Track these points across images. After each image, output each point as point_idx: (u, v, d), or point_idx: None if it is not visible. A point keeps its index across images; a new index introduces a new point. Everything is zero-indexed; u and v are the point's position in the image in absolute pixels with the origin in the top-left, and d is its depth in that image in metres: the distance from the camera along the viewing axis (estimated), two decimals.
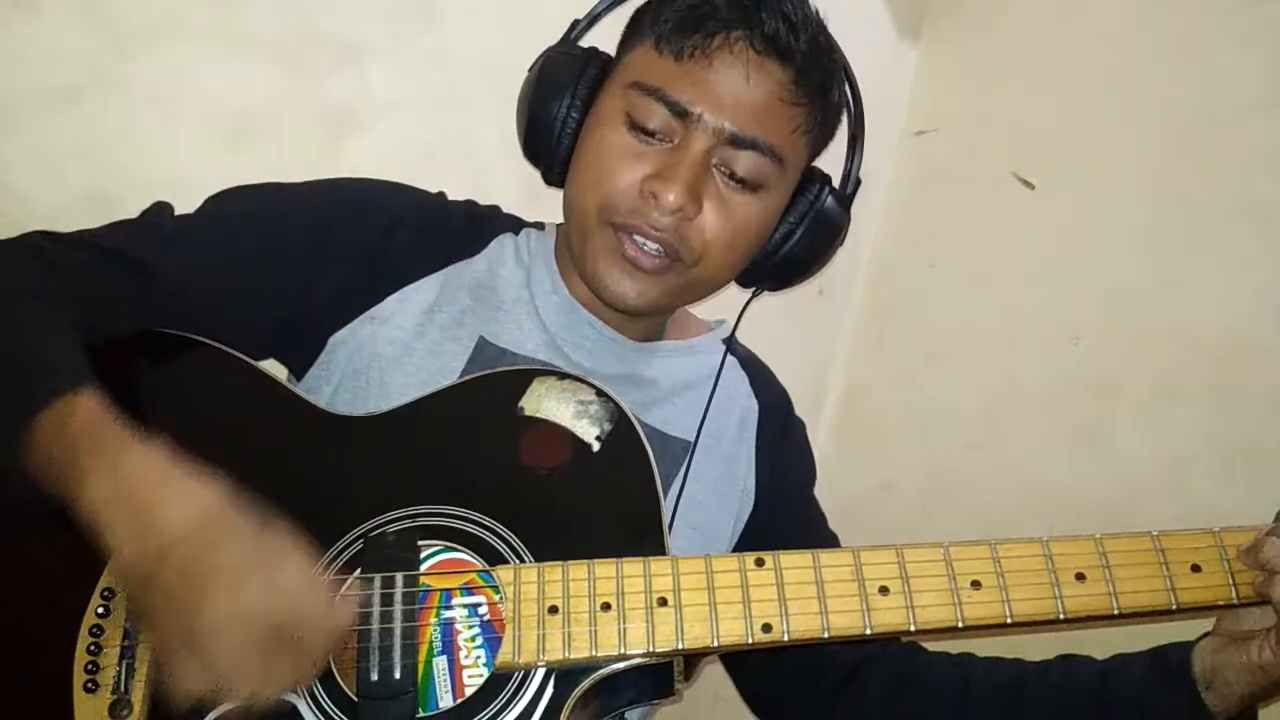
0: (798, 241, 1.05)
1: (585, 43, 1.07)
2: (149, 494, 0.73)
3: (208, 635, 0.69)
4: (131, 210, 0.98)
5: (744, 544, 1.09)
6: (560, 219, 1.12)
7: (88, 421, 0.76)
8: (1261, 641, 0.84)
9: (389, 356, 0.99)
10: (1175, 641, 0.92)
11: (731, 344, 1.14)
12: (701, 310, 1.17)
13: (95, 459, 0.74)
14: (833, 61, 1.02)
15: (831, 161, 1.09)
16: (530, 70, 1.05)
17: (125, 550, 0.72)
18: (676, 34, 0.96)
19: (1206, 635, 0.91)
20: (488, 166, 1.36)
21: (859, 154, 1.09)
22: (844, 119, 1.08)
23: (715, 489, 1.08)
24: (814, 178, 1.06)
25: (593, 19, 1.07)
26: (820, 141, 1.05)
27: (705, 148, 0.95)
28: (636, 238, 0.97)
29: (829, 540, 1.15)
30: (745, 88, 0.95)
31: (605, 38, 1.06)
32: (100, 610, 0.83)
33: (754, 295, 1.12)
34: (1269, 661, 0.84)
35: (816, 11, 1.01)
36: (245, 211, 1.00)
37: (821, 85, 0.99)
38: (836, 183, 1.08)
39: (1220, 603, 0.85)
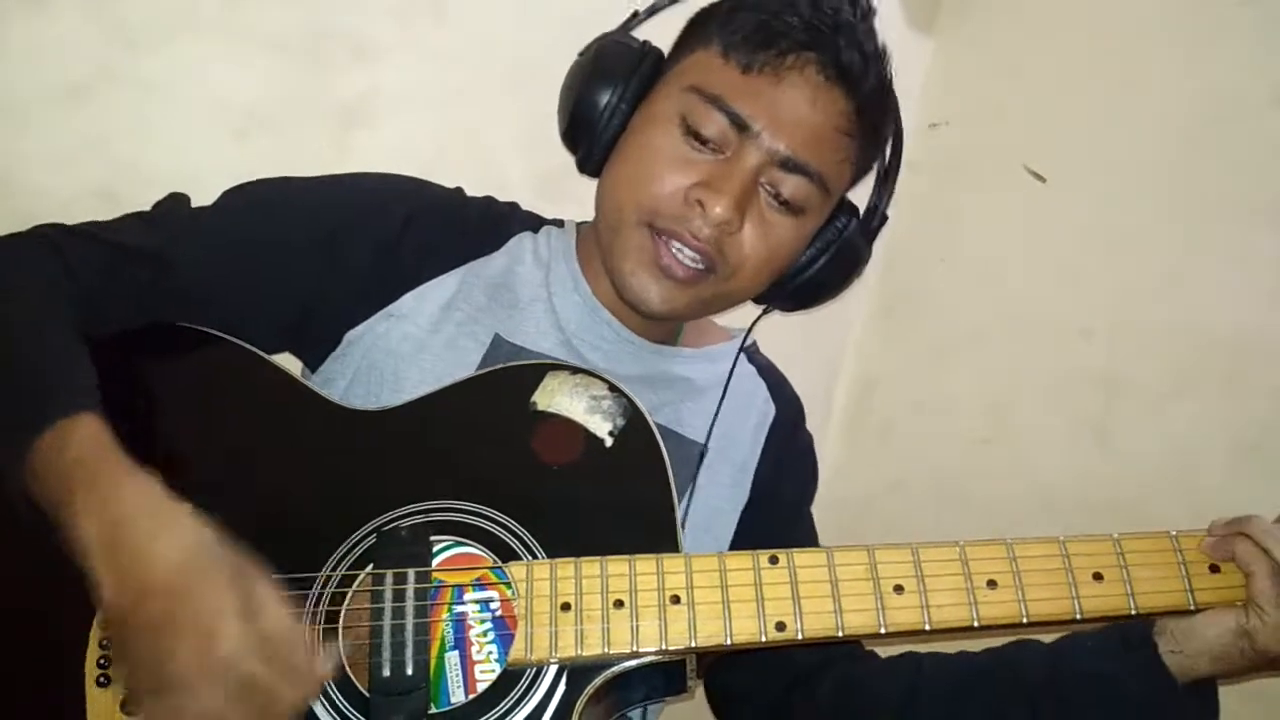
0: (819, 269, 1.05)
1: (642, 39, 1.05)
2: (135, 537, 0.72)
3: (178, 685, 0.69)
4: (141, 205, 0.97)
5: (735, 539, 1.07)
6: (576, 216, 1.12)
7: (85, 450, 0.75)
8: (1243, 607, 0.83)
9: (404, 353, 0.99)
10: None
11: (750, 350, 1.14)
12: (717, 319, 1.17)
13: (88, 491, 0.73)
14: (892, 99, 1.01)
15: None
16: (582, 55, 1.03)
17: (105, 588, 0.71)
18: (747, 46, 0.94)
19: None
20: (498, 162, 1.35)
21: (890, 190, 1.08)
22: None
23: (730, 493, 1.07)
24: (843, 207, 1.05)
25: (654, 10, 1.05)
26: (859, 174, 1.05)
27: (757, 165, 0.94)
28: (674, 245, 0.96)
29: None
30: (809, 113, 0.94)
31: (657, 34, 1.05)
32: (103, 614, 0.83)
33: (764, 313, 1.12)
34: (1256, 626, 0.82)
35: (885, 46, 1.00)
36: (262, 206, 0.99)
37: (879, 121, 1.00)
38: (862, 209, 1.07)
39: (1239, 603, 0.84)
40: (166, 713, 0.70)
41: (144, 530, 0.72)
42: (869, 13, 0.99)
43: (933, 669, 0.99)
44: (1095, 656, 0.89)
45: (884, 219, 1.08)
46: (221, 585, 0.71)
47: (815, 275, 1.05)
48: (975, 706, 0.95)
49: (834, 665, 1.03)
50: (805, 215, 0.99)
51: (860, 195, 1.09)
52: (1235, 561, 0.84)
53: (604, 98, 0.99)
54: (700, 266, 0.96)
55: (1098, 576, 0.84)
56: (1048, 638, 0.94)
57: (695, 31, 1.01)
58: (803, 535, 1.14)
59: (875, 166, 1.07)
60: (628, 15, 1.05)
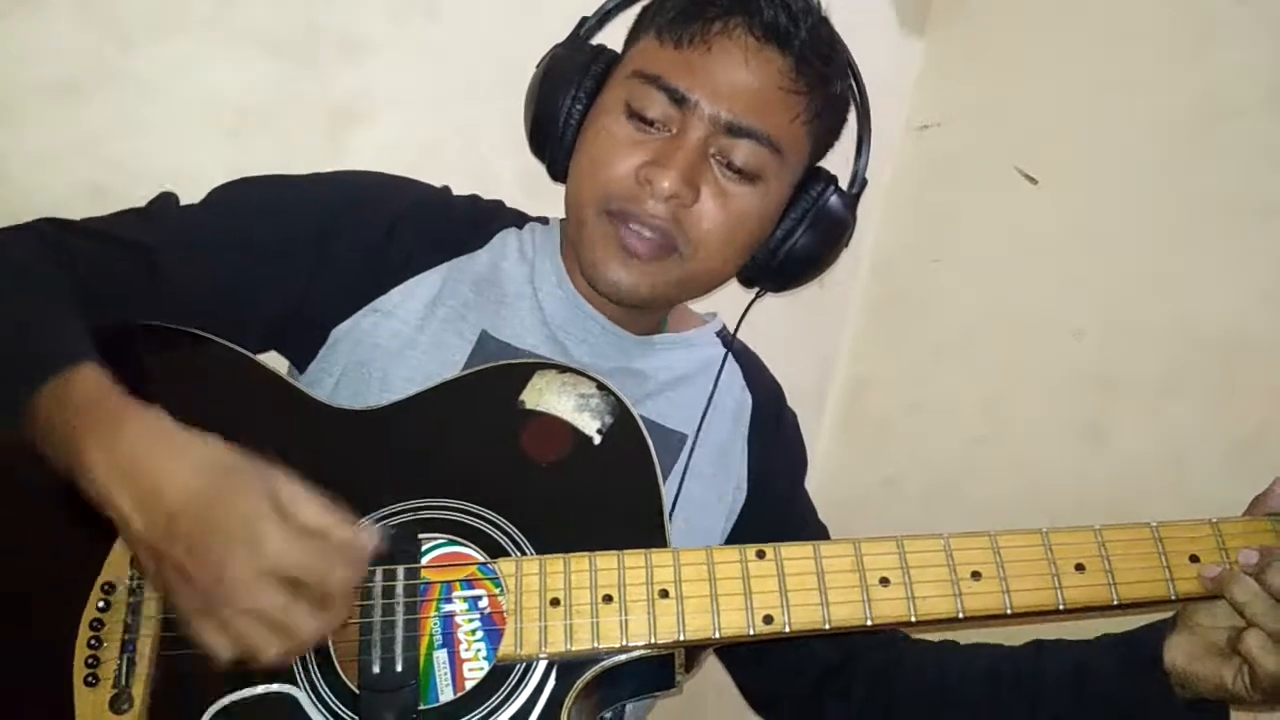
0: (799, 240, 1.04)
1: (594, 43, 1.06)
2: (151, 460, 0.73)
3: (232, 594, 0.70)
4: (131, 203, 0.98)
5: (736, 534, 1.09)
6: (564, 214, 1.12)
7: (88, 394, 0.76)
8: (1237, 674, 0.84)
9: (391, 349, 0.99)
10: (1146, 626, 0.92)
11: (724, 336, 1.14)
12: (703, 306, 1.17)
13: (96, 430, 0.74)
14: (835, 52, 1.01)
15: (838, 162, 1.08)
16: (538, 67, 1.05)
17: (133, 522, 0.72)
18: (677, 22, 0.96)
19: (1174, 624, 0.90)
20: (489, 160, 1.36)
21: (865, 152, 1.08)
22: (850, 118, 1.07)
23: (711, 482, 1.08)
24: (819, 176, 1.05)
25: (602, 16, 1.07)
26: (823, 136, 1.04)
27: (702, 135, 0.95)
28: (633, 225, 0.96)
29: (817, 530, 1.15)
30: (744, 75, 0.95)
31: (613, 37, 1.06)
32: (101, 605, 0.83)
33: (757, 296, 1.11)
34: (1242, 694, 0.83)
35: (818, 2, 1.01)
36: (250, 203, 1.00)
37: (822, 75, 0.99)
38: (844, 182, 1.07)
39: (1219, 593, 0.85)
40: (223, 627, 0.71)
41: (159, 455, 0.73)
42: None
43: (962, 661, 1.00)
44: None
45: (864, 183, 1.08)
46: (249, 490, 0.72)
47: (796, 248, 1.04)
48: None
49: (859, 659, 1.04)
50: (764, 182, 0.98)
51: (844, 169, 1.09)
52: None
53: (558, 103, 1.01)
54: (658, 241, 0.97)
55: (1080, 567, 0.85)
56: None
57: (638, 24, 1.03)
58: (802, 512, 1.16)
59: (857, 133, 1.07)
60: (577, 22, 1.07)
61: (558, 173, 1.05)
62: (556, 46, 1.05)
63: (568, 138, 1.02)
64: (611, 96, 0.99)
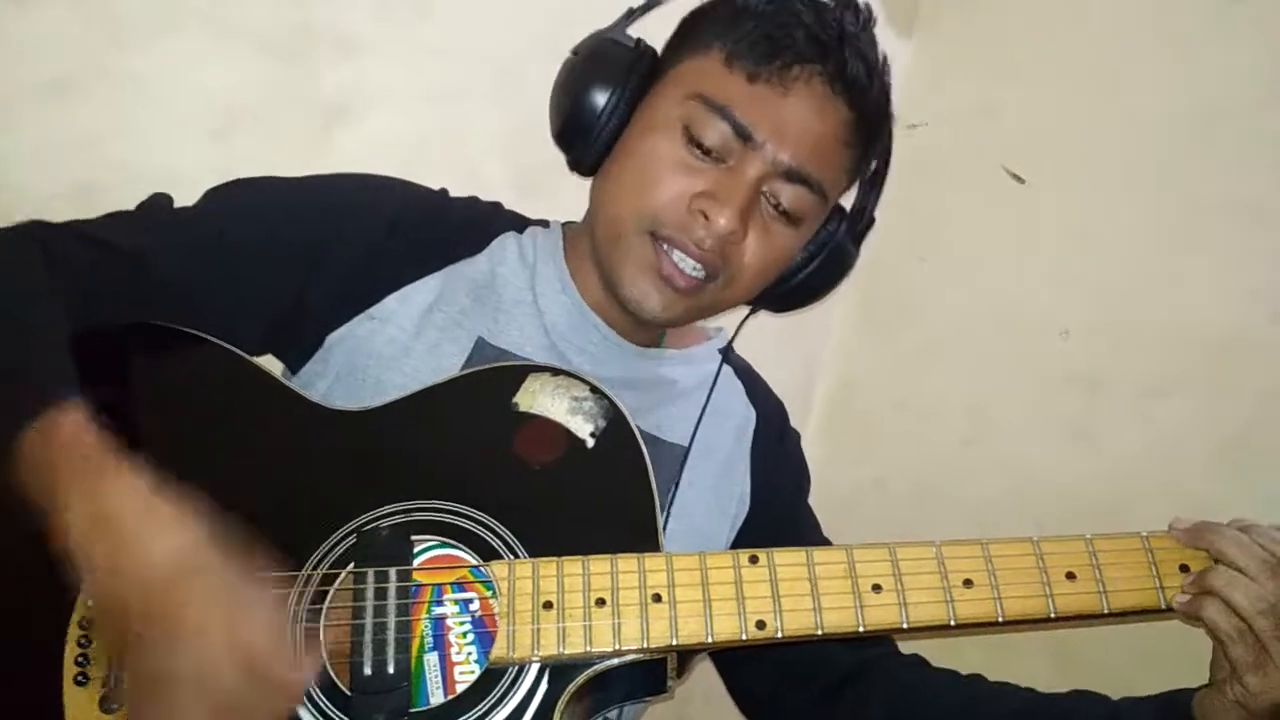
0: (811, 273, 1.04)
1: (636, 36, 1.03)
2: (124, 529, 0.71)
3: (172, 684, 0.69)
4: (122, 202, 0.97)
5: (738, 546, 1.08)
6: (558, 216, 1.12)
7: (71, 439, 0.74)
8: (1230, 679, 0.83)
9: (387, 356, 0.98)
10: (1184, 688, 0.90)
11: (728, 354, 1.14)
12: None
13: (76, 482, 0.73)
14: (889, 107, 1.01)
15: None
16: (575, 53, 1.01)
17: (96, 585, 0.71)
18: (753, 55, 0.94)
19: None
20: (479, 159, 1.36)
21: (878, 192, 1.08)
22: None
23: (712, 496, 1.08)
24: (833, 211, 1.05)
25: (649, 6, 1.03)
26: (854, 180, 1.05)
27: (760, 175, 0.94)
28: (676, 254, 0.96)
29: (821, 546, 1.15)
30: (814, 124, 0.94)
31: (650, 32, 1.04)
32: (91, 604, 0.82)
33: (751, 313, 1.12)
34: (1242, 695, 0.82)
35: (885, 56, 1.00)
36: (246, 205, 0.98)
37: (877, 130, 1.00)
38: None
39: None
40: (150, 709, 0.70)
41: (134, 525, 0.72)
42: (869, 21, 0.99)
43: (993, 695, 0.98)
44: None
45: (871, 221, 1.08)
46: (209, 589, 0.71)
47: (806, 279, 1.05)
48: None
49: (878, 673, 1.02)
50: (803, 224, 0.99)
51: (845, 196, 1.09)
52: (1206, 627, 0.83)
53: (601, 99, 0.98)
54: (701, 276, 0.96)
55: (1070, 576, 0.85)
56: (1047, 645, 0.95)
57: (692, 35, 1.00)
58: (808, 524, 1.15)
59: (874, 171, 1.07)
60: (622, 13, 1.03)
61: (583, 169, 1.03)
62: (598, 34, 1.02)
63: (605, 138, 0.99)
64: (666, 113, 0.97)
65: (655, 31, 1.03)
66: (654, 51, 1.02)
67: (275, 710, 0.73)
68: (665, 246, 0.96)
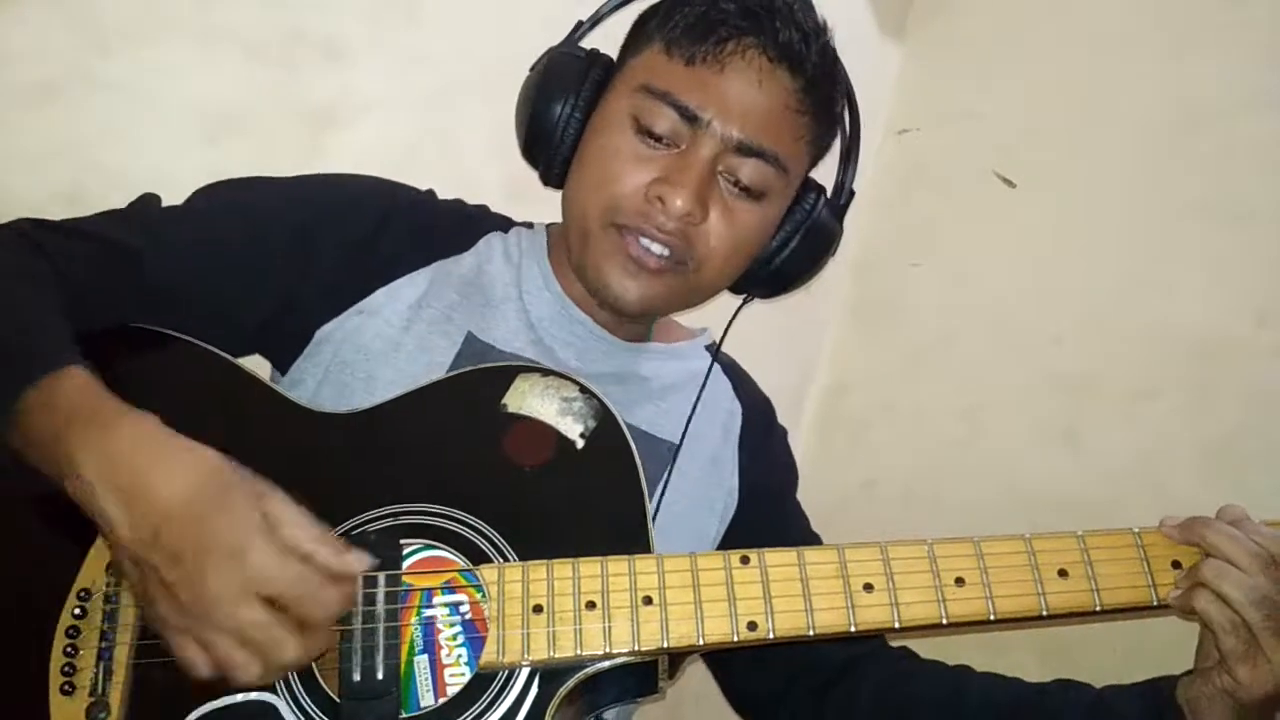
0: (793, 251, 1.05)
1: (586, 45, 1.06)
2: (140, 467, 0.72)
3: (214, 615, 0.69)
4: (112, 206, 0.97)
5: (727, 543, 1.09)
6: (548, 219, 1.12)
7: (77, 397, 0.75)
8: (1218, 668, 0.83)
9: (376, 350, 0.98)
10: (1166, 675, 0.91)
11: (712, 348, 1.14)
12: (691, 313, 1.17)
13: (85, 434, 0.73)
14: (839, 72, 1.02)
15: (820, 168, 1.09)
16: (532, 70, 1.04)
17: (120, 527, 0.71)
18: (688, 39, 0.95)
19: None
20: (470, 164, 1.35)
21: (854, 165, 1.09)
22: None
23: (700, 490, 1.08)
24: (809, 187, 1.06)
25: (596, 20, 1.06)
26: (819, 152, 1.06)
27: (713, 154, 0.95)
28: (642, 240, 0.96)
29: (811, 540, 1.14)
30: (756, 95, 0.95)
31: (601, 40, 1.05)
32: (76, 612, 0.82)
33: (744, 302, 1.12)
34: (1230, 685, 0.82)
35: (825, 21, 1.00)
36: (233, 204, 0.99)
37: (829, 96, 1.00)
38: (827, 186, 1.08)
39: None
40: (202, 644, 0.70)
41: (150, 461, 0.72)
42: None
43: (981, 686, 0.98)
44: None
45: (851, 194, 1.09)
46: (239, 505, 0.71)
47: (789, 258, 1.06)
48: None
49: (868, 666, 1.03)
50: (767, 199, 0.99)
51: (826, 174, 1.09)
52: (1198, 616, 0.83)
53: (557, 110, 1.00)
54: (668, 255, 0.97)
55: (1063, 573, 0.85)
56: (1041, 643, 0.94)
57: (638, 33, 1.02)
58: (793, 523, 1.15)
59: (837, 143, 1.08)
60: (573, 26, 1.05)
61: (552, 180, 1.04)
62: (552, 49, 1.04)
63: (565, 146, 1.01)
64: (616, 109, 0.98)
65: (616, 44, 1.05)
66: (608, 59, 1.04)
67: (330, 600, 0.73)
68: (630, 234, 0.97)
